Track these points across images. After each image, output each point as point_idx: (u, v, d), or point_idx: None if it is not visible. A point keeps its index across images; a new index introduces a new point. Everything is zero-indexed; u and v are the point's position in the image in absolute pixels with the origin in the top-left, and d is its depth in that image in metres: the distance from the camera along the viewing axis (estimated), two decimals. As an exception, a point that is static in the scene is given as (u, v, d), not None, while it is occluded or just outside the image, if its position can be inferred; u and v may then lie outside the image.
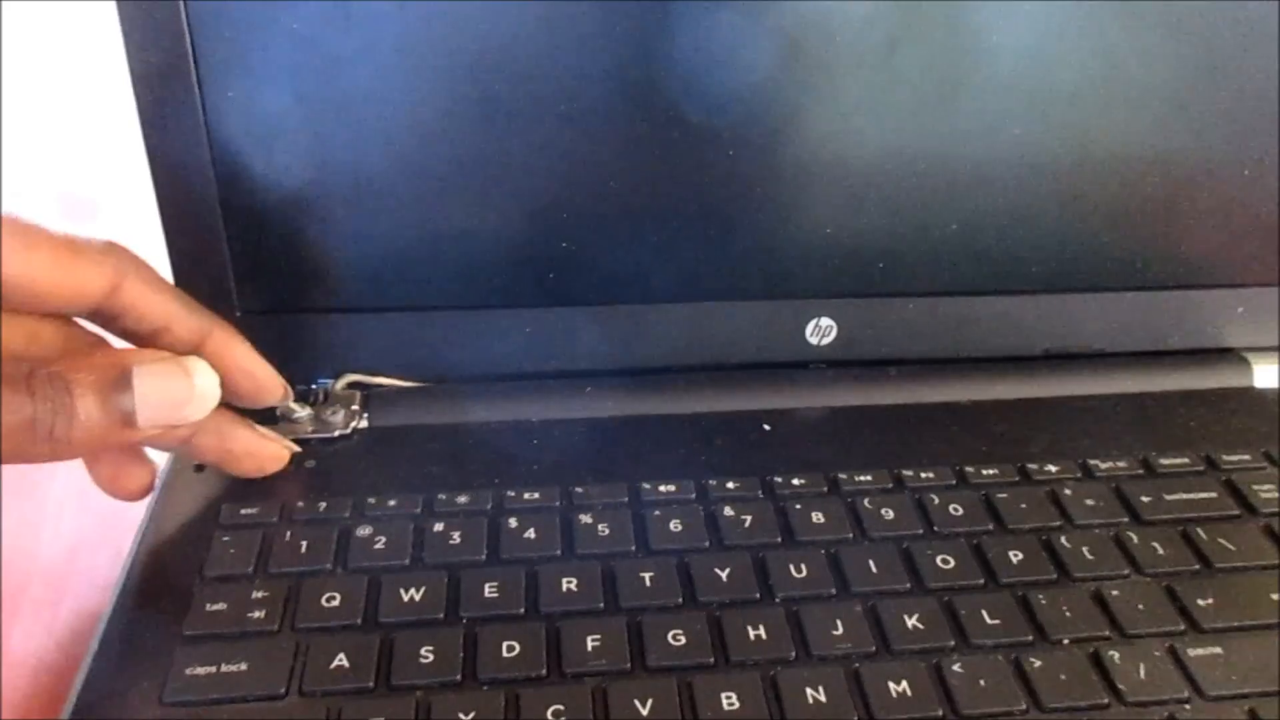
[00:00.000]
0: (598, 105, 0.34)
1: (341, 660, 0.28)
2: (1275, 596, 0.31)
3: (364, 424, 0.37)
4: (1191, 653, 0.29)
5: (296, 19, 0.32)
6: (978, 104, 0.35)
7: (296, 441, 0.35)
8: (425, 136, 0.34)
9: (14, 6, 0.70)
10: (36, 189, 0.55)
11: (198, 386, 0.29)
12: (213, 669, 0.28)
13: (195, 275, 0.35)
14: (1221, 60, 0.36)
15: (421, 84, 0.33)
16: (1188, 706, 0.28)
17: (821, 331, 0.39)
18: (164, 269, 0.35)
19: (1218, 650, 0.29)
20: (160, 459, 0.34)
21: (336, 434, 0.36)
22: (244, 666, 0.28)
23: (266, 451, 0.34)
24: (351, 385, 0.37)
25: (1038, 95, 0.36)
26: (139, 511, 0.33)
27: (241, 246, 0.35)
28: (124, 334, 0.31)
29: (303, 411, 0.36)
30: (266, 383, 0.33)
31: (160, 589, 0.30)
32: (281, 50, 0.32)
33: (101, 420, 0.27)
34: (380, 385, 0.37)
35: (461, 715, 0.27)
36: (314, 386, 0.37)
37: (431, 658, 0.28)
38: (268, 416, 0.36)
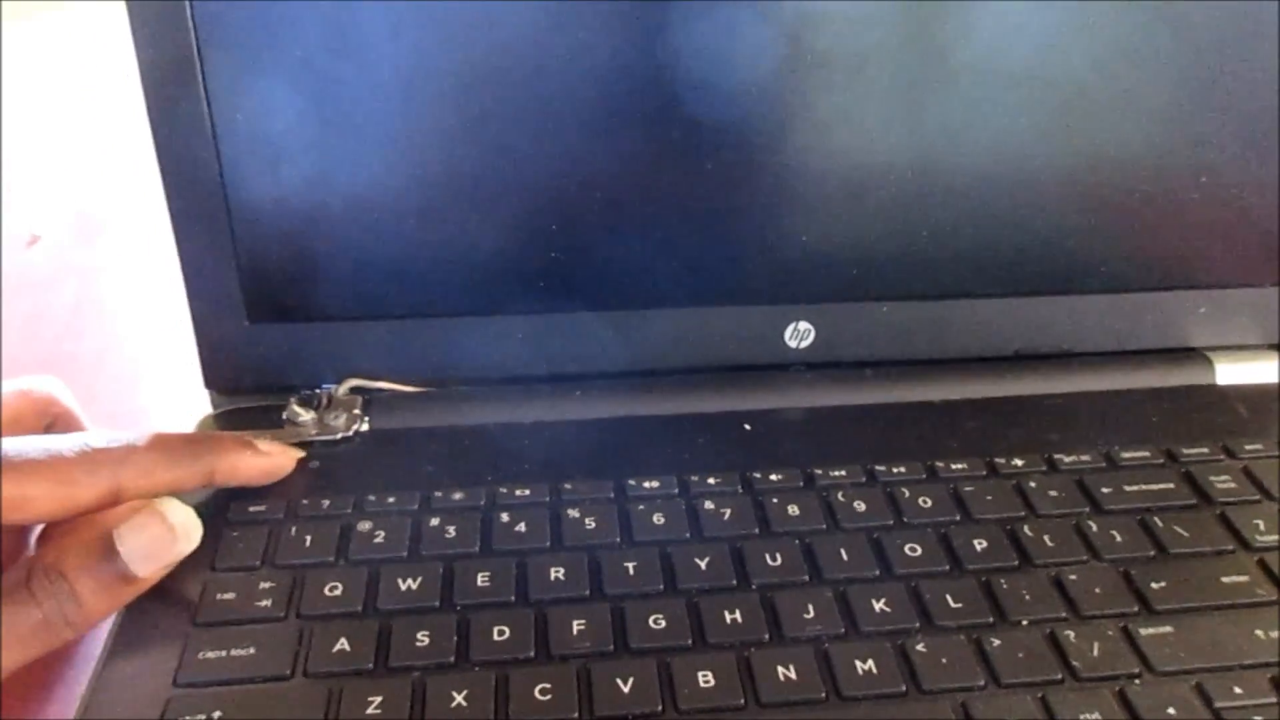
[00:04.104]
0: (585, 127, 0.36)
1: (343, 644, 0.30)
2: (1225, 579, 0.33)
3: (365, 427, 0.39)
4: (1143, 632, 0.31)
5: (300, 43, 0.34)
6: (947, 117, 0.37)
7: (300, 444, 0.37)
8: (421, 159, 0.36)
9: (35, 35, 0.73)
10: (50, 206, 0.58)
11: (177, 527, 0.31)
12: (223, 653, 0.30)
13: (206, 287, 0.37)
14: (1185, 72, 0.38)
15: (416, 109, 0.35)
16: (1138, 682, 0.29)
17: (800, 335, 0.40)
18: (176, 280, 0.37)
19: (1168, 629, 0.31)
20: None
21: (339, 436, 0.38)
22: (252, 650, 0.30)
23: (274, 466, 0.35)
24: (353, 390, 0.39)
25: (1006, 108, 0.37)
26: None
27: (250, 260, 0.37)
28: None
29: (307, 415, 0.38)
30: (278, 469, 0.36)
31: (173, 581, 0.32)
32: (286, 73, 0.34)
33: (104, 592, 0.29)
34: (380, 390, 0.39)
35: (454, 693, 0.29)
36: (317, 391, 0.39)
37: (427, 641, 0.30)
38: (274, 419, 0.38)
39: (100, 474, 0.30)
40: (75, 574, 0.28)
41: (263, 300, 0.38)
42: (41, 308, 0.50)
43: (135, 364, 0.47)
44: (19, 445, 0.29)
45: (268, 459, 0.35)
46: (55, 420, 0.34)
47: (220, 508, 0.35)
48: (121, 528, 0.29)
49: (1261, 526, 0.34)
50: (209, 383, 0.39)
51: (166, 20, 0.33)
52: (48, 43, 0.77)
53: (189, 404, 0.40)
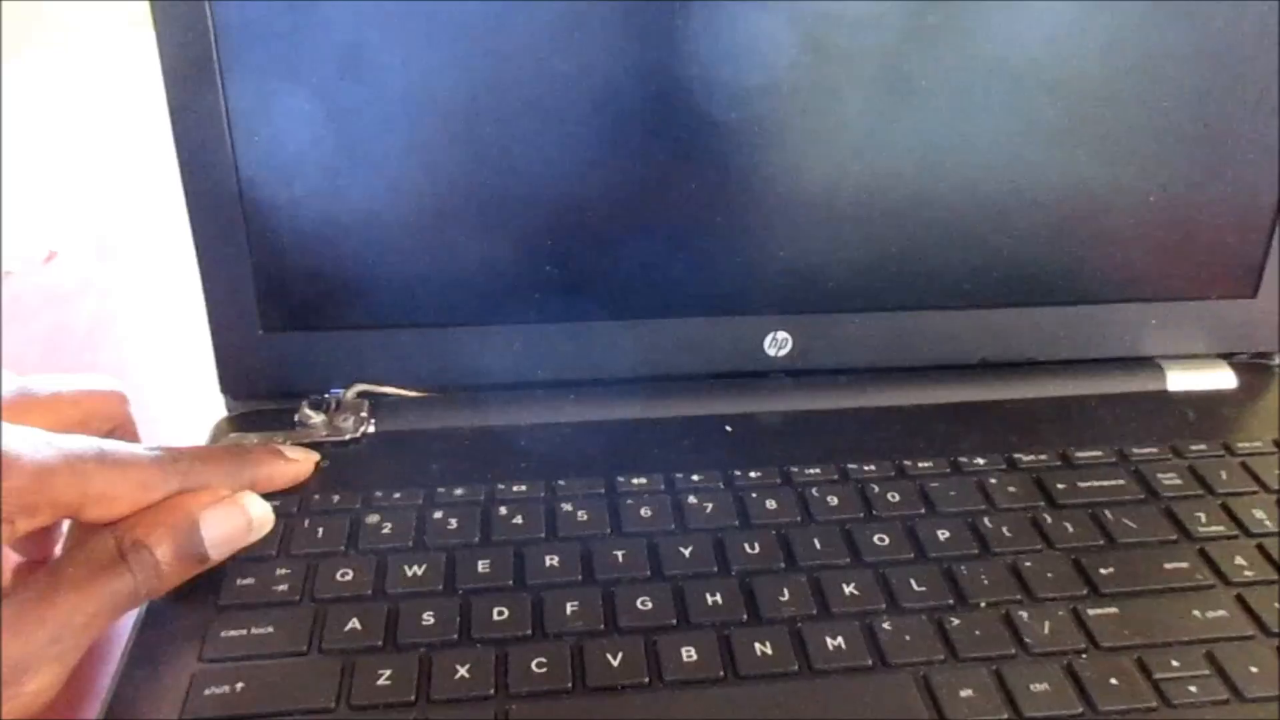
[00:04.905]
0: (581, 152, 0.39)
1: (355, 624, 0.32)
2: (1168, 565, 0.35)
3: (372, 429, 0.41)
4: (1091, 612, 0.34)
5: (317, 62, 0.37)
6: (916, 144, 0.40)
7: (311, 445, 0.40)
8: (427, 180, 0.39)
9: (48, 54, 0.76)
10: (65, 222, 0.61)
11: (254, 519, 0.34)
12: (244, 632, 0.32)
13: (224, 299, 0.40)
14: (1138, 103, 0.41)
15: (422, 136, 0.38)
16: (1084, 656, 0.32)
17: (778, 344, 0.43)
18: (189, 291, 0.40)
19: (1114, 610, 0.34)
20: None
21: (347, 437, 0.41)
22: (271, 630, 0.32)
23: (301, 471, 0.38)
24: (361, 394, 0.42)
25: (971, 136, 0.40)
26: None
27: (264, 274, 0.40)
28: None
29: (317, 418, 0.41)
30: (303, 473, 0.38)
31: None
32: (302, 101, 0.37)
33: (182, 567, 0.32)
34: (386, 394, 0.42)
35: (458, 667, 0.31)
36: (327, 396, 0.42)
37: (432, 621, 0.33)
38: (286, 422, 0.41)
39: (171, 483, 0.33)
40: (161, 550, 0.31)
41: (276, 310, 0.40)
42: (61, 320, 0.53)
43: (152, 371, 0.49)
44: (112, 448, 0.32)
45: (296, 465, 0.38)
46: (119, 425, 0.37)
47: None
48: (207, 514, 0.33)
49: (1203, 519, 0.37)
50: (224, 388, 0.42)
51: (189, 38, 0.36)
52: (61, 61, 0.80)
53: (204, 407, 0.42)
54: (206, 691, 0.30)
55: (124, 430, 0.37)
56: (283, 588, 0.34)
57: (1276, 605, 0.34)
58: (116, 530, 0.31)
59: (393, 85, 0.38)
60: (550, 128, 0.38)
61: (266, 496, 0.37)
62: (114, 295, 0.55)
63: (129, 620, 0.33)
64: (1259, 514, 0.37)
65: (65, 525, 0.36)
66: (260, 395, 0.42)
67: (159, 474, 0.33)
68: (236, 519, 0.34)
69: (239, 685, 0.31)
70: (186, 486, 0.33)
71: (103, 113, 0.73)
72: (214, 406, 0.43)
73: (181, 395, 0.46)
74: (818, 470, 0.39)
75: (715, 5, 0.37)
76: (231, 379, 0.42)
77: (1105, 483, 0.39)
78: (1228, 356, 0.46)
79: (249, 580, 0.34)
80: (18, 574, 0.30)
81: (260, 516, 0.35)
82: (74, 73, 0.79)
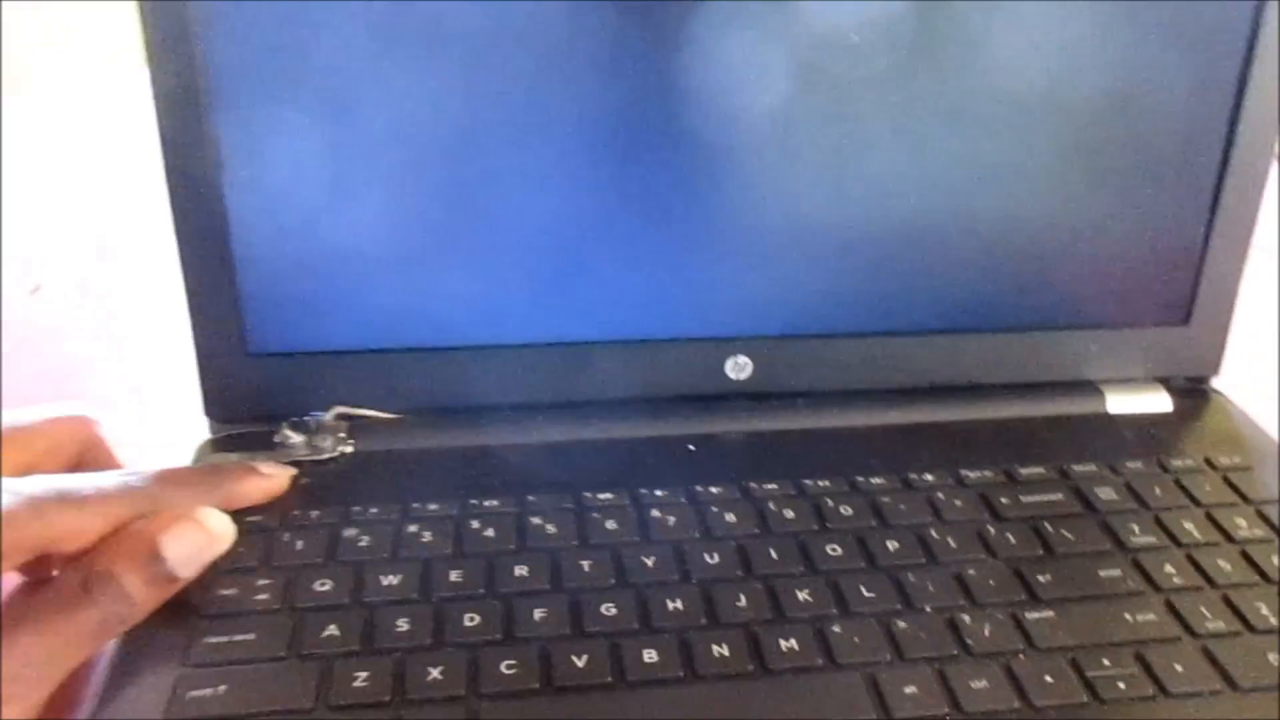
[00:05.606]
0: (551, 181, 0.41)
1: (332, 630, 0.34)
2: (1102, 573, 0.38)
3: (350, 449, 0.43)
4: (1029, 616, 0.36)
5: (301, 101, 0.39)
6: (872, 178, 0.43)
7: (291, 464, 0.41)
8: (406, 213, 0.41)
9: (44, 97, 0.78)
10: (53, 255, 0.63)
11: (215, 532, 0.35)
12: (226, 638, 0.34)
13: (210, 324, 0.42)
14: (1071, 141, 0.44)
15: (403, 166, 0.40)
16: (1022, 656, 0.34)
17: (739, 367, 0.45)
18: (170, 319, 0.42)
19: (1050, 614, 0.36)
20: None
21: (326, 457, 0.42)
22: (252, 636, 0.34)
23: (276, 486, 0.40)
24: (339, 416, 0.43)
25: (924, 172, 0.43)
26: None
27: (251, 301, 0.41)
28: None
29: (297, 438, 0.42)
30: (278, 488, 0.40)
31: (180, 580, 0.36)
32: (288, 130, 0.39)
33: (151, 591, 0.33)
34: (363, 416, 0.44)
35: (431, 669, 0.33)
36: (306, 417, 0.43)
37: (407, 627, 0.34)
38: (267, 443, 0.43)
39: (139, 508, 0.34)
40: (127, 577, 0.32)
41: (260, 337, 0.42)
42: (48, 349, 0.54)
43: (135, 396, 0.51)
44: (74, 483, 0.34)
45: (270, 480, 0.39)
46: (88, 447, 0.38)
47: (221, 517, 0.39)
48: (166, 536, 0.34)
49: (1135, 530, 0.40)
50: (208, 411, 0.43)
51: (180, 70, 0.38)
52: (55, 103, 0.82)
53: (187, 430, 0.44)
54: (190, 694, 0.32)
55: (95, 452, 0.38)
56: (264, 597, 0.35)
57: (1202, 609, 0.36)
58: (81, 563, 0.32)
59: (375, 116, 0.40)
60: (523, 157, 0.41)
61: (249, 512, 0.38)
62: (99, 322, 0.57)
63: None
64: (1188, 526, 0.40)
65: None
66: (242, 418, 0.44)
67: (121, 502, 0.34)
68: (195, 535, 0.34)
69: (221, 688, 0.32)
70: (155, 509, 0.34)
71: (86, 127, 0.75)
72: (200, 427, 0.44)
73: (168, 416, 0.48)
74: (775, 486, 0.41)
75: (686, 40, 0.40)
76: (216, 403, 0.43)
77: (1046, 498, 0.41)
78: (1164, 381, 0.49)
79: (231, 590, 0.35)
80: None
81: (218, 529, 0.35)
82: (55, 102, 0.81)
